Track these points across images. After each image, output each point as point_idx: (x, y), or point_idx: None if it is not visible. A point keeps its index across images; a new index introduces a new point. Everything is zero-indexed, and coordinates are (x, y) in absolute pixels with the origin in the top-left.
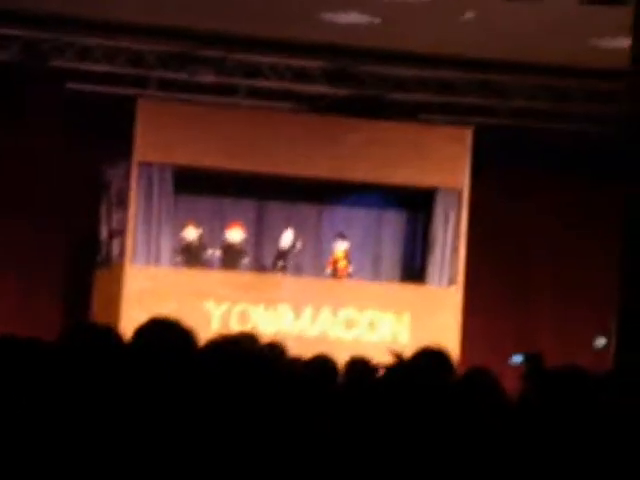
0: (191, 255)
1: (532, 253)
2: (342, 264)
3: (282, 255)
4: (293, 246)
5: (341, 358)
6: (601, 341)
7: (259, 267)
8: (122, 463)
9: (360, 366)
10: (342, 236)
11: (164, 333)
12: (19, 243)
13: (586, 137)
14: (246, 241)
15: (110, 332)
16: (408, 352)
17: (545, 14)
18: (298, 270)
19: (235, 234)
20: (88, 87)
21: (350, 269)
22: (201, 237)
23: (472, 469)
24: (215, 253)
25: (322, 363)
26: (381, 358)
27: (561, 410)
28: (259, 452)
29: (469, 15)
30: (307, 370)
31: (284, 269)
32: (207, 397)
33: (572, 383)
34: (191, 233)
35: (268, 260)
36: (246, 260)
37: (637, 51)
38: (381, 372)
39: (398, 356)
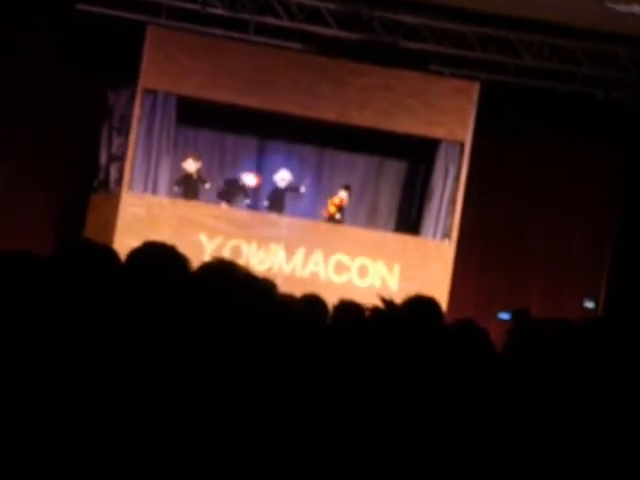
0: (189, 187)
1: (528, 212)
2: (338, 214)
3: (275, 193)
4: (290, 187)
5: (330, 301)
6: (590, 304)
7: (256, 205)
8: (115, 383)
9: (350, 307)
10: (347, 188)
11: (160, 256)
12: (18, 158)
13: (591, 100)
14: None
15: (107, 250)
16: (397, 300)
17: None
18: (294, 211)
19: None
20: (98, 9)
21: (339, 216)
22: (200, 170)
23: (458, 414)
24: (213, 187)
25: (313, 301)
26: (370, 303)
27: (547, 352)
28: (255, 377)
29: None
30: (299, 305)
31: (272, 209)
32: (203, 317)
33: (558, 328)
34: (190, 165)
35: (265, 198)
36: (243, 196)
37: None
38: (371, 314)
39: (388, 302)
